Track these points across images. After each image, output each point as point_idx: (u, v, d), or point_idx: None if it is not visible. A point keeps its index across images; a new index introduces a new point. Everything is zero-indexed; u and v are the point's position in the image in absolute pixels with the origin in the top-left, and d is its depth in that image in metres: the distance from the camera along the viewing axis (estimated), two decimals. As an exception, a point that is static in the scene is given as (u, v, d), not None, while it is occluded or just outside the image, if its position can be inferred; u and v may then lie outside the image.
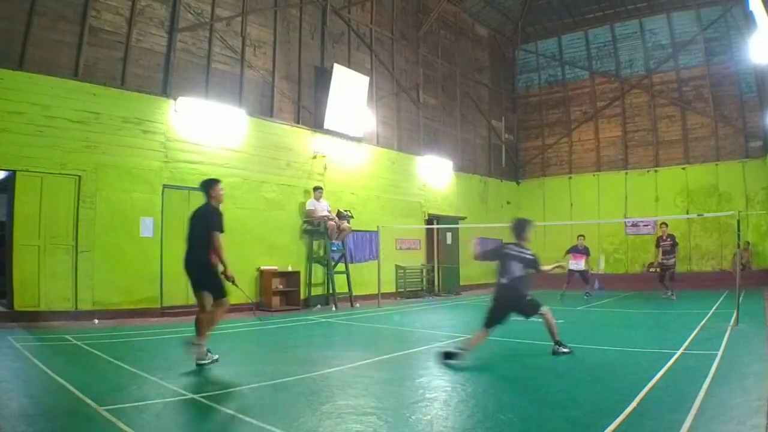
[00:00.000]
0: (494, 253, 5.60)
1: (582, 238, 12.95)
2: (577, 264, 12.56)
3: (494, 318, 5.30)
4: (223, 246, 5.02)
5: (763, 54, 9.49)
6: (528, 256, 5.41)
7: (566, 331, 7.79)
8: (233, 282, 5.05)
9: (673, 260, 11.97)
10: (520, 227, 5.62)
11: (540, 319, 5.52)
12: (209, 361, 4.94)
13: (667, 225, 12.43)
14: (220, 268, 5.08)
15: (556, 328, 5.53)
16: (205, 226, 5.05)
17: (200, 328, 5.02)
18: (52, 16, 8.22)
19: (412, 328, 8.36)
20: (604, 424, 3.13)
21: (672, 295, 11.72)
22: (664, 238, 12.07)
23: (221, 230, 5.04)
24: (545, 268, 5.72)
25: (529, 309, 5.43)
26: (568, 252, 12.80)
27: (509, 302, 5.35)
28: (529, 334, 7.49)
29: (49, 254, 8.00)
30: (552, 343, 5.53)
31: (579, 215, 17.71)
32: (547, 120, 19.68)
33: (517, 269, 5.33)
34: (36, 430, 3.13)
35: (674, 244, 11.99)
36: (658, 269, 12.34)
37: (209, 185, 5.31)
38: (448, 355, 5.03)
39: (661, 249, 12.08)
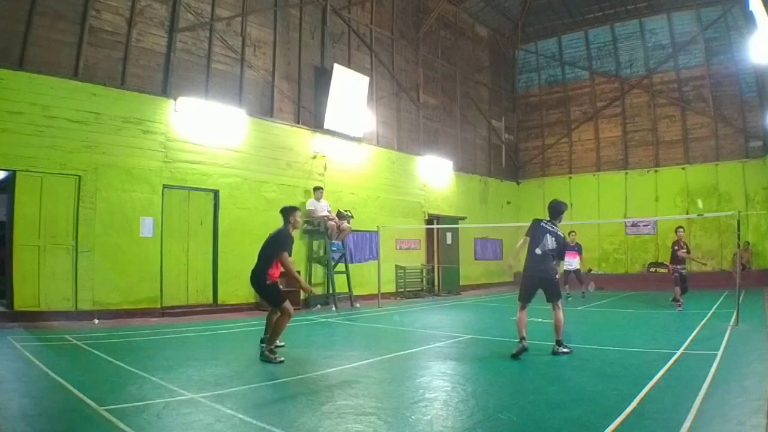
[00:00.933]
0: (532, 228, 5.81)
1: (573, 234, 12.37)
2: (570, 263, 12.17)
3: (526, 293, 5.62)
4: (291, 264, 5.69)
5: (763, 54, 9.49)
6: (561, 235, 5.73)
7: (566, 331, 7.81)
8: (310, 292, 6.38)
9: (683, 267, 10.66)
10: (559, 209, 5.88)
11: (551, 314, 5.64)
12: (277, 360, 5.28)
13: (683, 229, 11.07)
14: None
15: (563, 327, 5.58)
16: (274, 247, 5.60)
17: (271, 330, 5.60)
18: (52, 16, 8.22)
19: (412, 328, 8.35)
20: (604, 424, 3.13)
21: (675, 301, 10.56)
22: (681, 244, 10.50)
23: (290, 253, 5.68)
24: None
25: (555, 291, 5.65)
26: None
27: (540, 277, 5.61)
28: (529, 334, 7.50)
29: (49, 254, 8.00)
30: (553, 343, 5.54)
31: (579, 215, 17.69)
32: (547, 120, 19.68)
33: (550, 242, 5.61)
34: (36, 430, 3.13)
35: (687, 251, 10.71)
36: (676, 275, 10.60)
37: (290, 212, 5.80)
38: (517, 353, 5.29)
39: (678, 256, 10.44)
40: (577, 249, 12.30)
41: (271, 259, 5.58)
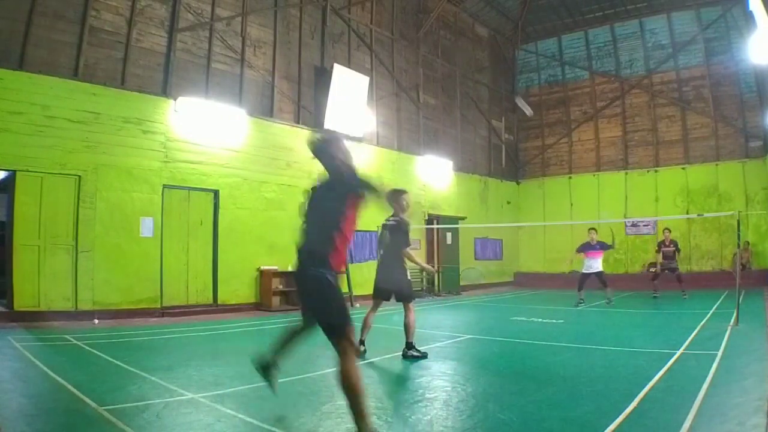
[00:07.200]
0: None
1: (594, 232, 10.94)
2: (593, 264, 10.73)
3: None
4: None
5: (763, 54, 9.48)
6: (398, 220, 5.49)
7: (566, 331, 7.84)
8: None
9: (675, 263, 12.06)
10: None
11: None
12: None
13: (670, 231, 12.43)
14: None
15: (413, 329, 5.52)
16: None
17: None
18: (52, 16, 8.22)
19: (412, 328, 8.34)
20: (604, 424, 3.13)
21: (685, 294, 11.72)
22: (667, 243, 12.06)
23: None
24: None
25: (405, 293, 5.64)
26: (580, 250, 11.11)
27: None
28: (528, 333, 7.50)
29: (49, 254, 8.01)
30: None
31: (579, 215, 17.71)
32: (547, 120, 19.68)
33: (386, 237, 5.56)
34: (36, 430, 3.13)
35: (677, 250, 12.04)
36: (656, 271, 12.40)
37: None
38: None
39: (662, 253, 12.10)
40: (601, 248, 10.80)
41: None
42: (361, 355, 5.36)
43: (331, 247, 2.82)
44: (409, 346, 5.48)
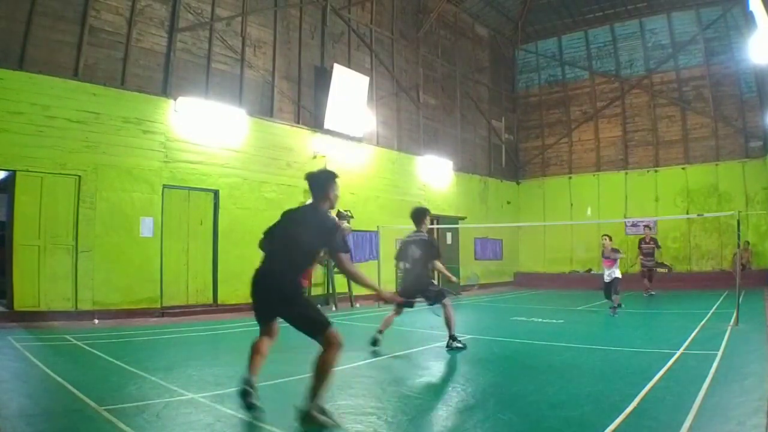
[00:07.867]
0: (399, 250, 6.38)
1: (607, 238, 9.80)
2: (606, 272, 9.69)
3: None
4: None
5: (763, 54, 9.47)
6: (424, 238, 6.22)
7: (566, 331, 7.84)
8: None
9: (653, 261, 12.49)
10: (417, 216, 6.36)
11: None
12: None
13: (650, 228, 12.92)
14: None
15: (453, 321, 6.04)
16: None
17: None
18: (52, 16, 8.22)
19: (412, 328, 8.34)
20: (604, 424, 3.13)
21: (648, 293, 12.13)
22: (647, 240, 12.45)
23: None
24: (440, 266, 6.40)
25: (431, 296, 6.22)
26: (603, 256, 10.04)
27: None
28: (530, 333, 7.51)
29: (49, 254, 8.01)
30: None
31: (579, 215, 17.71)
32: (547, 120, 19.67)
33: (413, 252, 6.14)
34: (36, 430, 3.13)
35: (656, 247, 12.44)
36: (644, 270, 12.73)
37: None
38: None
39: (641, 249, 12.51)
40: (614, 255, 9.67)
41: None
42: (376, 344, 5.90)
43: (301, 273, 3.41)
44: (453, 338, 5.94)
